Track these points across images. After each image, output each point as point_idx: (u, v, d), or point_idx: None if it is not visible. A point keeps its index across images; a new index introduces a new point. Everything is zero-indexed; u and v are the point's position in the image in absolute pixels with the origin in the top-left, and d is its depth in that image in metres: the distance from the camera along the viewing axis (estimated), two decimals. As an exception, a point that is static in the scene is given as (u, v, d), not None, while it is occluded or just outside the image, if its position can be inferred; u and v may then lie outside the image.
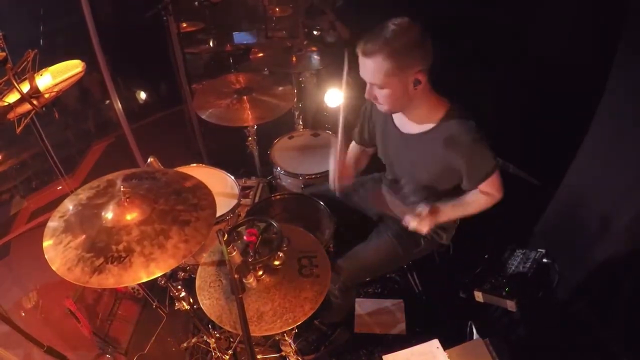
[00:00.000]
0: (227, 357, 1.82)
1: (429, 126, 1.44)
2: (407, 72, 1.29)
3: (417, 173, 1.56)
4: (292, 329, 1.42)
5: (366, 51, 1.28)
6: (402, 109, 1.45)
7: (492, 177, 1.43)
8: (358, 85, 1.46)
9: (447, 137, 1.39)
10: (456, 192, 1.54)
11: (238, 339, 1.92)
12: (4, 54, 1.20)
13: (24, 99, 1.18)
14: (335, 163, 1.62)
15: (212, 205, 1.30)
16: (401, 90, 1.33)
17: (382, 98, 1.37)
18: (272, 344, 1.96)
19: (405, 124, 1.51)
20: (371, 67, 1.30)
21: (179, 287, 1.60)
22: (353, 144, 1.84)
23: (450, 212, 1.52)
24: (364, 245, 1.75)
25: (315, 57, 2.54)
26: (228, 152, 2.78)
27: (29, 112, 1.23)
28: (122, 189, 1.22)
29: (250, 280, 1.22)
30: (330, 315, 1.99)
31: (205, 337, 1.84)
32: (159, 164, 1.67)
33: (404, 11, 1.28)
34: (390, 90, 1.33)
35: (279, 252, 1.26)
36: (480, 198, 1.50)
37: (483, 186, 1.47)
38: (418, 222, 1.47)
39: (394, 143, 1.60)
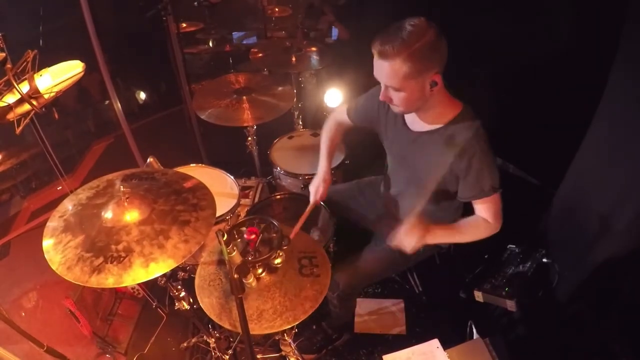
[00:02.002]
0: (227, 357, 1.82)
1: (438, 125, 1.42)
2: (425, 75, 1.25)
3: (419, 172, 1.55)
4: (292, 329, 1.42)
5: (383, 53, 1.23)
6: (416, 110, 1.42)
7: (489, 199, 1.39)
8: (359, 86, 1.45)
9: (452, 138, 1.37)
10: (454, 201, 1.53)
11: (238, 338, 1.91)
12: (3, 54, 1.20)
13: (23, 99, 1.18)
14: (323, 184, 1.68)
15: (212, 205, 1.30)
16: (418, 92, 1.29)
17: (397, 100, 1.34)
18: (272, 343, 1.95)
19: (416, 123, 1.49)
20: (388, 70, 1.25)
21: (179, 287, 1.60)
22: (334, 117, 1.79)
23: (442, 234, 1.45)
24: (363, 255, 1.72)
25: (315, 57, 2.54)
26: (228, 152, 2.78)
27: (28, 113, 1.23)
28: (121, 189, 1.22)
29: (250, 280, 1.22)
30: (331, 322, 1.99)
31: (205, 337, 1.84)
32: (159, 164, 1.68)
33: (405, 11, 1.27)
34: (406, 93, 1.29)
35: (279, 251, 1.26)
36: (476, 224, 1.45)
37: (479, 207, 1.44)
38: (401, 240, 1.40)
39: (401, 140, 1.58)
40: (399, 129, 1.55)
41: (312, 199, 1.68)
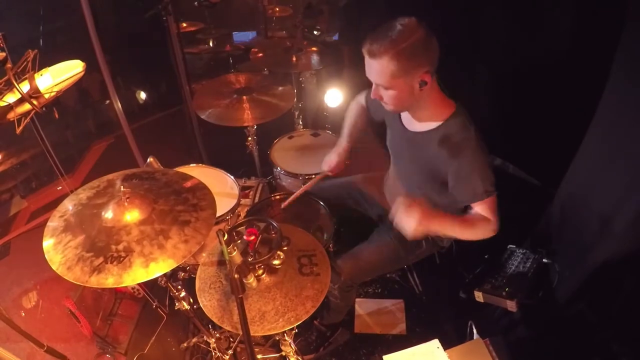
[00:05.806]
0: (227, 357, 1.82)
1: (431, 126, 1.43)
2: (413, 74, 1.27)
3: (414, 172, 1.57)
4: (293, 329, 1.42)
5: (372, 52, 1.25)
6: (408, 109, 1.44)
7: (484, 202, 1.38)
8: (358, 85, 1.46)
9: (444, 140, 1.38)
10: (451, 202, 1.50)
11: (238, 339, 1.91)
12: (4, 54, 1.20)
13: (23, 99, 1.18)
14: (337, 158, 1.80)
15: (212, 205, 1.30)
16: (407, 91, 1.31)
17: (387, 98, 1.36)
18: (272, 344, 1.95)
19: (410, 122, 1.51)
20: (377, 69, 1.28)
21: (179, 287, 1.60)
22: (357, 101, 1.81)
23: (442, 222, 1.37)
24: (366, 245, 1.75)
25: (315, 57, 2.54)
26: (228, 152, 2.78)
27: (28, 112, 1.23)
28: (122, 189, 1.22)
29: (251, 280, 1.22)
30: (329, 316, 1.99)
31: (205, 337, 1.84)
32: (159, 164, 1.67)
33: (401, 12, 1.27)
34: (396, 91, 1.31)
35: (278, 252, 1.26)
36: (476, 220, 1.41)
37: (476, 209, 1.42)
38: (402, 218, 1.33)
39: (398, 139, 1.60)
40: (397, 125, 1.57)
41: (323, 168, 1.80)
